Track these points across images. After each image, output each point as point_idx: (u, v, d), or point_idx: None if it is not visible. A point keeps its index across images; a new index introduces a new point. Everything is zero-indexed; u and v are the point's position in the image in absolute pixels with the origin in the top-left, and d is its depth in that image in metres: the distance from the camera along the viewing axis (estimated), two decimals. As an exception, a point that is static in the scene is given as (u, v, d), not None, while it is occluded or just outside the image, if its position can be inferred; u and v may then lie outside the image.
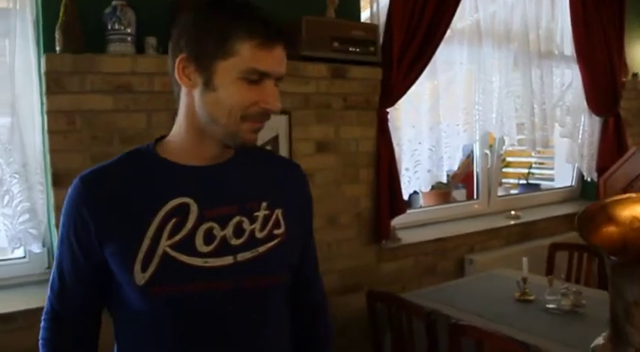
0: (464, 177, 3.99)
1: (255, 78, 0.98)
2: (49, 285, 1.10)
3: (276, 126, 2.50)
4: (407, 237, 2.98)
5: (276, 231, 1.08)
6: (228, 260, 1.01)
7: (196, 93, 1.01)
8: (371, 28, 2.69)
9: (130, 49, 2.16)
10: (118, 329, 1.09)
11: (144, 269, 0.99)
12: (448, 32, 2.97)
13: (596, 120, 3.91)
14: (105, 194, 1.03)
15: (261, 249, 1.05)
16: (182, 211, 1.02)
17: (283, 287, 1.12)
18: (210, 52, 0.98)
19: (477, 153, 3.54)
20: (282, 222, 1.09)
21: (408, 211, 3.13)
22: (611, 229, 0.84)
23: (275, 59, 1.00)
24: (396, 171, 2.83)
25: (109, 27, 2.10)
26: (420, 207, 3.56)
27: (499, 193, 3.79)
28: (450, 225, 3.28)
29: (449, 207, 3.53)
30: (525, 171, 4.37)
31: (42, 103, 2.11)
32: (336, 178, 2.68)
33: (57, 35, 2.04)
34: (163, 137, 1.11)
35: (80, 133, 2.09)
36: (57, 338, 1.10)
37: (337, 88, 2.64)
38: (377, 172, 2.78)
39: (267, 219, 1.07)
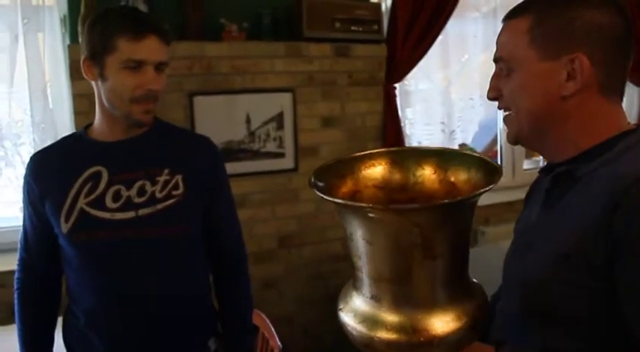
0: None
1: (134, 65, 1.23)
2: (19, 240, 1.42)
3: (280, 103, 2.69)
4: (419, 208, 3.08)
5: (174, 192, 1.33)
6: (130, 214, 1.29)
7: (99, 84, 1.29)
8: (373, 7, 2.81)
9: (142, 37, 2.43)
10: (64, 270, 1.38)
11: (66, 220, 1.29)
12: (460, 6, 3.01)
13: (636, 91, 3.78)
14: (44, 167, 1.35)
15: (160, 206, 1.31)
16: (96, 177, 1.30)
17: (187, 237, 1.36)
18: (99, 50, 1.25)
19: (499, 126, 3.56)
20: (181, 184, 1.34)
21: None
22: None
23: (148, 48, 1.25)
24: (403, 144, 2.94)
25: (122, 18, 2.38)
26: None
27: (528, 166, 3.78)
28: (466, 197, 3.33)
29: (470, 180, 3.57)
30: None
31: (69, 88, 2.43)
32: (342, 151, 2.83)
33: (79, 28, 2.35)
34: (91, 124, 1.39)
35: (101, 113, 2.40)
36: (26, 278, 1.42)
37: (341, 66, 2.79)
38: (383, 145, 2.91)
39: (167, 182, 1.33)
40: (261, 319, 1.67)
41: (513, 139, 0.99)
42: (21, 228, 1.43)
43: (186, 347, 1.37)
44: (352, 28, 2.74)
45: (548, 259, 0.88)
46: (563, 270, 0.85)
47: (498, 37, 0.97)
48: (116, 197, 1.30)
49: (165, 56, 1.29)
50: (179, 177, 1.34)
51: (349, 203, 0.86)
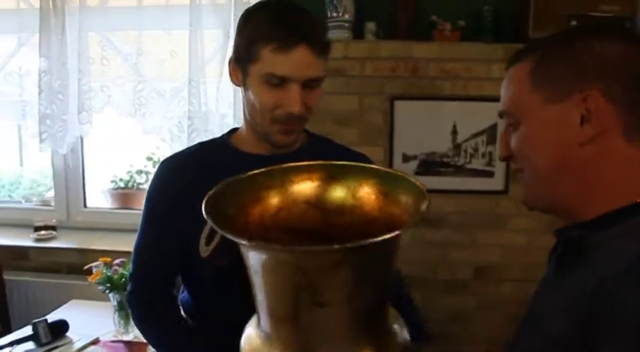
0: None
1: (276, 82, 1.02)
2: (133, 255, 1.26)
3: (494, 114, 2.32)
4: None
5: None
6: None
7: (242, 91, 1.11)
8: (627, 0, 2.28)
9: (347, 34, 2.29)
10: (187, 290, 1.24)
11: (208, 243, 1.11)
12: None
13: None
14: (184, 177, 1.16)
15: None
16: None
17: None
18: (244, 55, 1.05)
19: None
20: None
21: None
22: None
23: (294, 62, 1.01)
24: None
25: (328, 15, 2.27)
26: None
27: None
28: None
29: None
30: None
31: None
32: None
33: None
34: (237, 129, 1.22)
35: (298, 113, 2.31)
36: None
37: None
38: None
39: None
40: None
41: (525, 203, 0.84)
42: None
43: None
44: (594, 27, 2.26)
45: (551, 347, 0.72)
46: None
47: (501, 88, 0.84)
48: None
49: (318, 71, 1.05)
50: None
51: (216, 227, 0.74)
